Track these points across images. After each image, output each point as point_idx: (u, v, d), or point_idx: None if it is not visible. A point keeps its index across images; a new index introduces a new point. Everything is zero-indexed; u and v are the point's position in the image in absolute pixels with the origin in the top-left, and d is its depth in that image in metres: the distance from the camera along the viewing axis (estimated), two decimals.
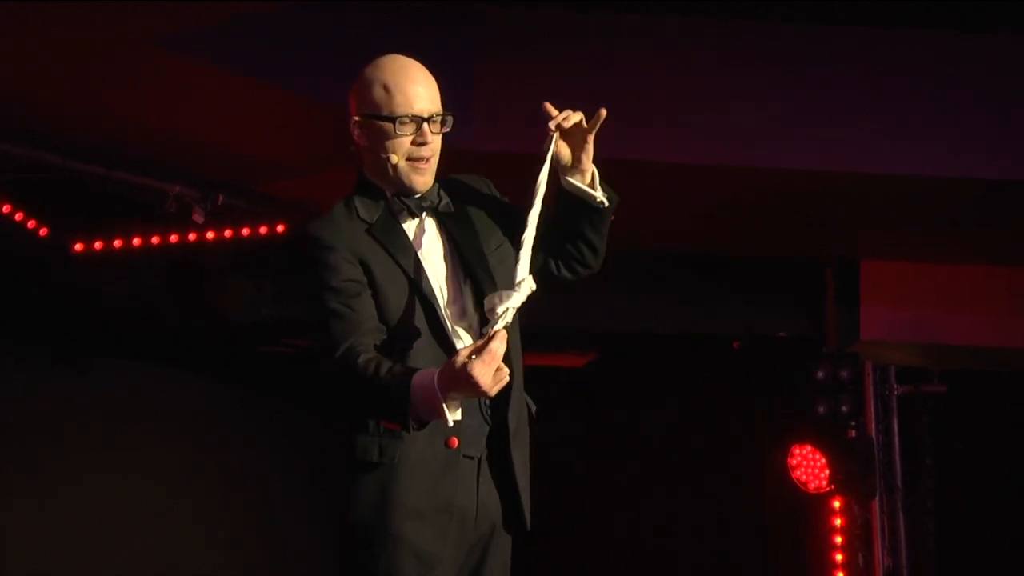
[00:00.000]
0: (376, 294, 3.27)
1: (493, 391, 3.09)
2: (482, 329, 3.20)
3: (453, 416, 3.12)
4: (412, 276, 3.29)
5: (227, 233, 7.72)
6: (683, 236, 8.30)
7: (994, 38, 6.99)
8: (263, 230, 7.79)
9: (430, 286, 3.31)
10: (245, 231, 7.77)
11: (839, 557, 8.82)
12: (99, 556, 8.29)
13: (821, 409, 8.62)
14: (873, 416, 8.94)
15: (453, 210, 3.38)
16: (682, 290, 8.63)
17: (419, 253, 3.33)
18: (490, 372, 3.06)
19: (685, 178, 7.24)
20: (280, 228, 7.81)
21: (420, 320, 3.27)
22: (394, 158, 3.31)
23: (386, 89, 3.31)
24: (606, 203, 3.43)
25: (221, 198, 7.59)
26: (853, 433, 8.74)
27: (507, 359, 3.16)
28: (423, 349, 3.26)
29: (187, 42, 6.05)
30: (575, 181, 3.39)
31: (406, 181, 3.33)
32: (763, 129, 6.94)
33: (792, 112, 6.95)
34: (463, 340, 3.29)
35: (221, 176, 7.55)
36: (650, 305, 8.61)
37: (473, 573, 3.35)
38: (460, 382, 3.07)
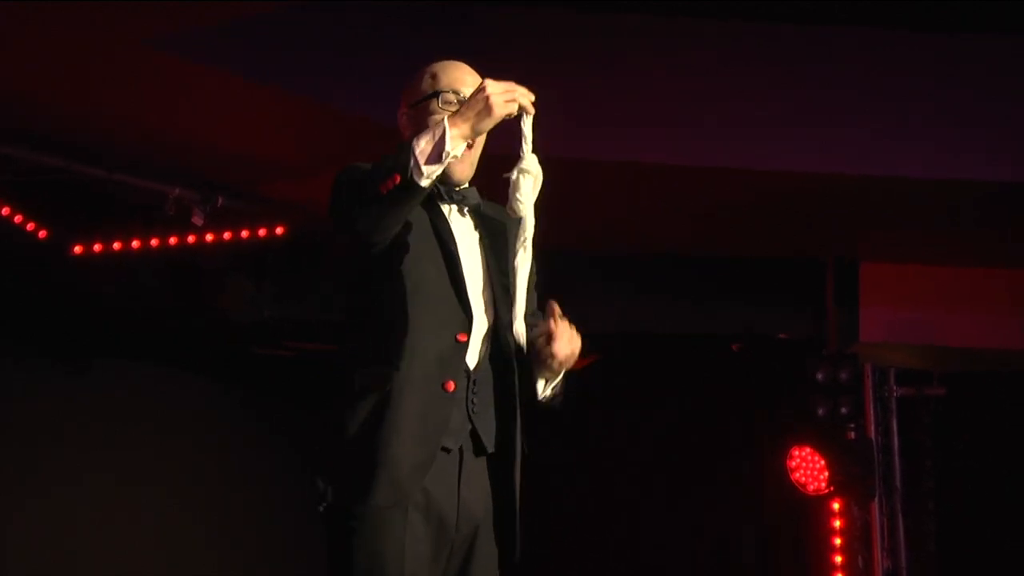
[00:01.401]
0: (404, 242, 3.27)
1: (500, 105, 3.12)
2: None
3: (455, 146, 3.09)
4: (444, 238, 3.32)
5: (226, 235, 7.72)
6: (683, 237, 8.30)
7: (994, 39, 6.99)
8: (262, 232, 7.79)
9: (458, 254, 3.33)
10: (244, 233, 7.77)
11: (839, 559, 8.81)
12: (99, 556, 8.29)
13: (820, 411, 8.61)
14: (872, 418, 8.93)
15: (487, 215, 3.43)
16: (682, 291, 8.62)
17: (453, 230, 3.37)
18: (503, 86, 3.13)
19: (684, 179, 7.24)
20: (279, 230, 7.81)
21: (443, 278, 3.30)
22: None
23: (433, 76, 3.42)
24: (545, 400, 3.47)
25: (221, 200, 7.59)
26: (852, 435, 8.73)
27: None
28: (440, 303, 3.27)
29: (187, 43, 6.04)
30: (538, 374, 3.42)
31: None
32: (763, 129, 6.94)
33: (792, 112, 6.95)
34: (478, 316, 3.31)
35: (221, 177, 7.55)
36: (650, 306, 8.61)
37: (459, 574, 3.33)
38: (472, 98, 3.13)
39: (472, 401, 3.30)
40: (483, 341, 3.34)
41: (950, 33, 6.95)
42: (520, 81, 3.26)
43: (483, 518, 3.32)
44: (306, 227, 7.84)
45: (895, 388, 9.07)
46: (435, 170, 3.09)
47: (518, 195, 3.27)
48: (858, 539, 8.85)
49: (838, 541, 8.84)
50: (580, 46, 6.61)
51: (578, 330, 3.40)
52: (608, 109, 6.65)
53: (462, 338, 3.28)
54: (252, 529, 8.91)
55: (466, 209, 3.41)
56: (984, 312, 8.66)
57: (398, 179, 3.07)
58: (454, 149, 3.09)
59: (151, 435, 8.58)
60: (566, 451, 8.80)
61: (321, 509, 3.24)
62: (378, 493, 3.16)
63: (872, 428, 8.90)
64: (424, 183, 3.09)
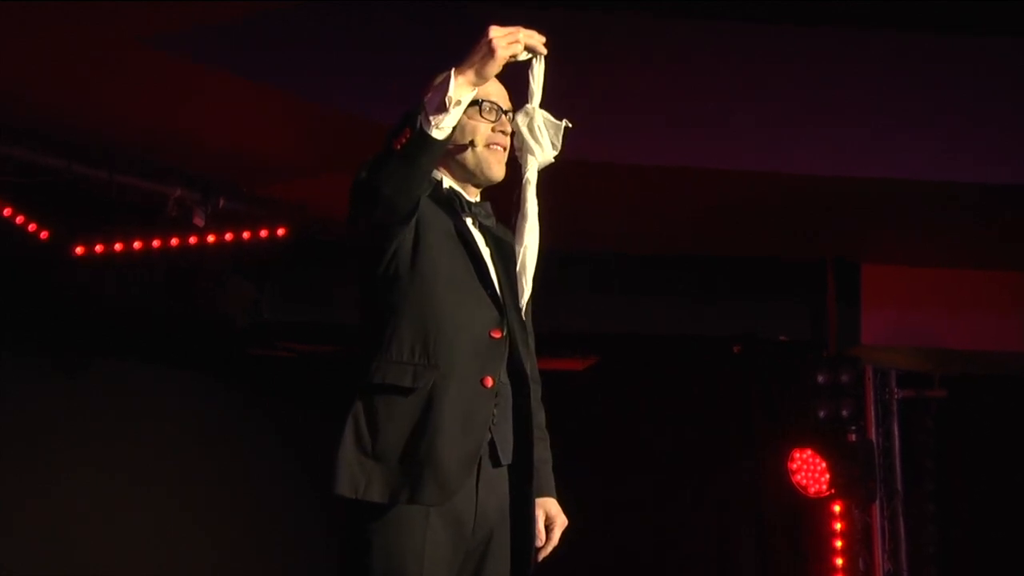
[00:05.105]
0: (431, 240, 3.27)
1: (503, 47, 3.13)
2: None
3: (459, 93, 3.08)
4: (468, 240, 3.33)
5: (228, 236, 7.71)
6: (684, 239, 8.30)
7: (996, 40, 6.99)
8: (264, 233, 7.78)
9: (483, 255, 3.34)
10: (246, 234, 7.76)
11: (839, 561, 8.82)
12: (98, 555, 8.29)
13: (822, 413, 8.62)
14: (873, 420, 8.95)
15: (498, 236, 3.43)
16: (683, 293, 8.63)
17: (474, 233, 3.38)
18: (506, 29, 3.16)
19: (685, 180, 7.24)
20: (281, 231, 7.80)
21: (471, 276, 3.30)
22: (476, 139, 3.36)
23: None
24: None
25: (222, 201, 7.59)
26: (853, 437, 8.73)
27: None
28: (473, 300, 3.28)
29: (188, 44, 6.05)
30: None
31: (484, 164, 3.38)
32: (764, 131, 6.94)
33: (792, 113, 6.95)
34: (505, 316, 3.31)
35: (222, 179, 7.55)
36: (651, 308, 8.61)
37: None
38: (476, 44, 3.12)
39: (492, 413, 3.28)
40: (507, 347, 3.34)
41: (951, 34, 6.95)
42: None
43: (497, 525, 3.31)
44: (307, 228, 7.84)
45: (896, 390, 9.09)
46: (443, 119, 3.07)
47: (518, 144, 3.29)
48: (859, 541, 8.85)
49: (839, 543, 8.84)
50: (579, 46, 6.60)
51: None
52: (607, 110, 6.65)
53: (496, 334, 3.28)
54: (251, 529, 8.91)
55: (480, 224, 3.41)
56: (985, 314, 8.66)
57: (409, 132, 3.06)
58: (457, 95, 3.08)
59: (151, 435, 8.58)
60: (565, 454, 8.78)
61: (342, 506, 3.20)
62: (425, 492, 3.13)
63: (873, 430, 8.91)
64: (436, 134, 3.07)
